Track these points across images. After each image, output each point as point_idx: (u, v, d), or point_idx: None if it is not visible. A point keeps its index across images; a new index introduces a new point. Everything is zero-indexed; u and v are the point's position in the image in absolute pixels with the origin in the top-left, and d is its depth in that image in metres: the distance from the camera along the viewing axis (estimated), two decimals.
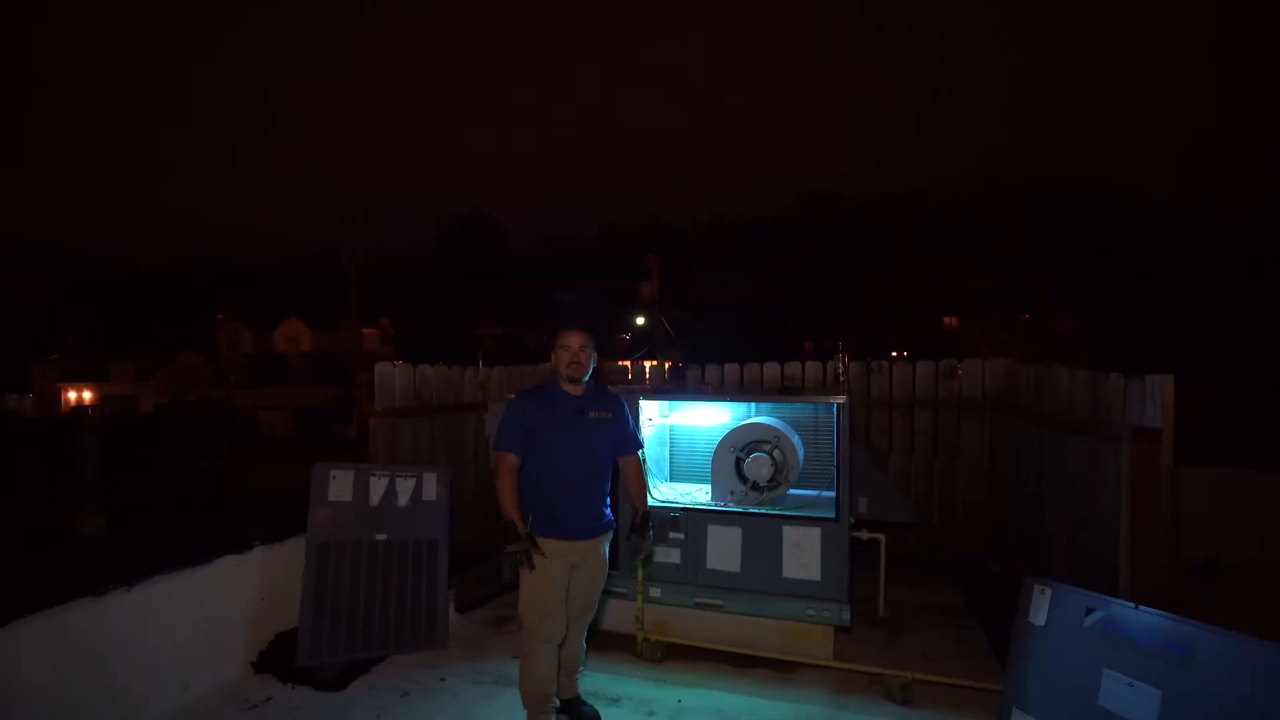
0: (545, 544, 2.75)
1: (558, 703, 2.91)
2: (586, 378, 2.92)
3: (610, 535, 3.01)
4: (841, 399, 3.57)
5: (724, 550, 3.70)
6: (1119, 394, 3.14)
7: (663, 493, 4.03)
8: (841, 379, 4.46)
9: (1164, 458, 2.84)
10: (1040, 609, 2.55)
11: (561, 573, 2.81)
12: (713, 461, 3.87)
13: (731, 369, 5.81)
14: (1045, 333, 27.54)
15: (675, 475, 4.40)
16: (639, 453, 3.11)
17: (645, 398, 3.95)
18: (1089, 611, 2.41)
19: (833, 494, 3.61)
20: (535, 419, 2.84)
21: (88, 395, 36.53)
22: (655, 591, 3.75)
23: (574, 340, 2.87)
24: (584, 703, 3.07)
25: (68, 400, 36.62)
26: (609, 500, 3.01)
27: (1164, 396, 2.84)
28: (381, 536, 3.76)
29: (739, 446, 3.80)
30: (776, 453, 3.72)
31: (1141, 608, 2.31)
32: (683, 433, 4.40)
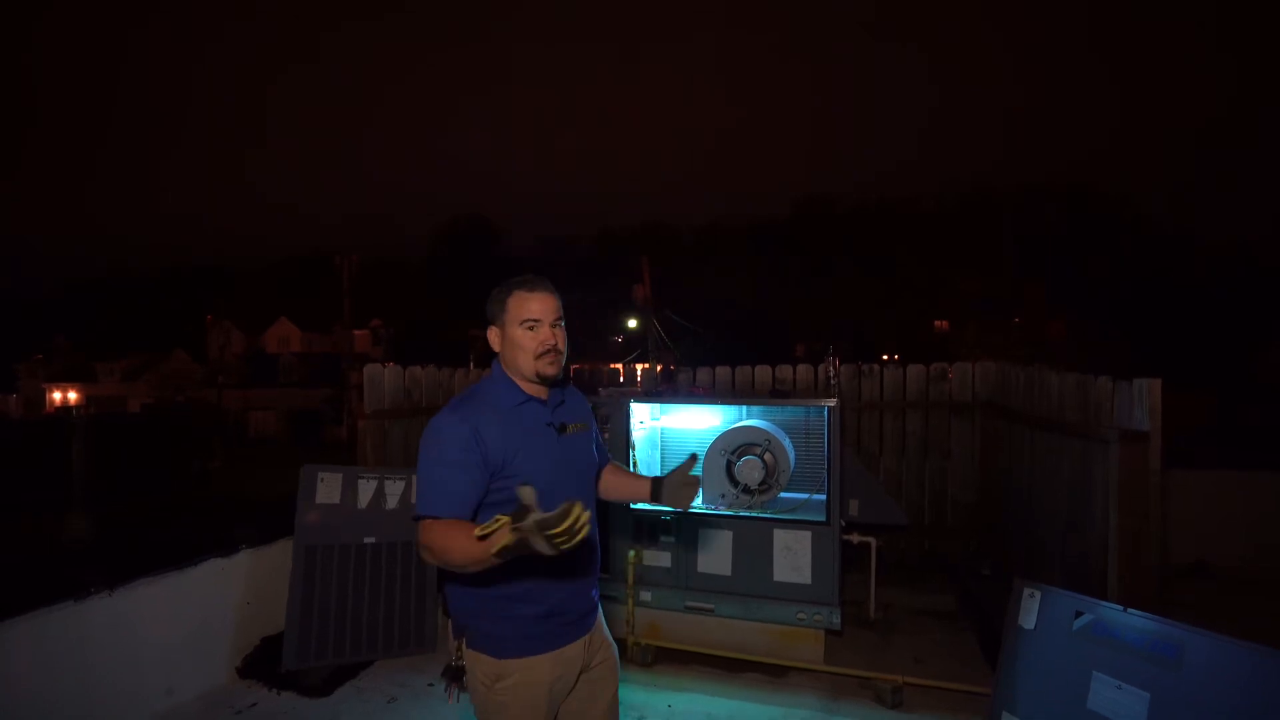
0: (521, 666, 1.71)
1: None
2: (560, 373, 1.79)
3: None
4: (832, 402, 3.57)
5: (715, 554, 3.68)
6: (1107, 396, 3.15)
7: None
8: (832, 382, 4.46)
9: (1152, 460, 2.85)
10: (1030, 612, 2.55)
11: (550, 705, 1.76)
12: (703, 465, 3.86)
13: (722, 371, 5.80)
14: (1037, 336, 27.72)
15: None
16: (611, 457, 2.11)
17: (636, 400, 3.93)
18: (1078, 614, 2.41)
19: (823, 497, 3.60)
20: (491, 448, 1.64)
21: (73, 396, 36.20)
22: (646, 595, 3.74)
23: (538, 307, 1.71)
24: None
25: (52, 401, 36.27)
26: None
27: (1151, 399, 2.84)
28: (370, 539, 3.72)
29: (730, 450, 3.79)
30: (767, 456, 3.70)
31: (1130, 610, 2.31)
32: (674, 436, 4.39)
